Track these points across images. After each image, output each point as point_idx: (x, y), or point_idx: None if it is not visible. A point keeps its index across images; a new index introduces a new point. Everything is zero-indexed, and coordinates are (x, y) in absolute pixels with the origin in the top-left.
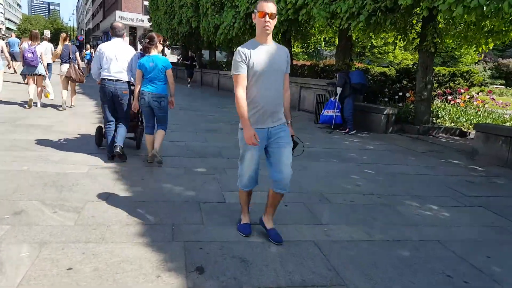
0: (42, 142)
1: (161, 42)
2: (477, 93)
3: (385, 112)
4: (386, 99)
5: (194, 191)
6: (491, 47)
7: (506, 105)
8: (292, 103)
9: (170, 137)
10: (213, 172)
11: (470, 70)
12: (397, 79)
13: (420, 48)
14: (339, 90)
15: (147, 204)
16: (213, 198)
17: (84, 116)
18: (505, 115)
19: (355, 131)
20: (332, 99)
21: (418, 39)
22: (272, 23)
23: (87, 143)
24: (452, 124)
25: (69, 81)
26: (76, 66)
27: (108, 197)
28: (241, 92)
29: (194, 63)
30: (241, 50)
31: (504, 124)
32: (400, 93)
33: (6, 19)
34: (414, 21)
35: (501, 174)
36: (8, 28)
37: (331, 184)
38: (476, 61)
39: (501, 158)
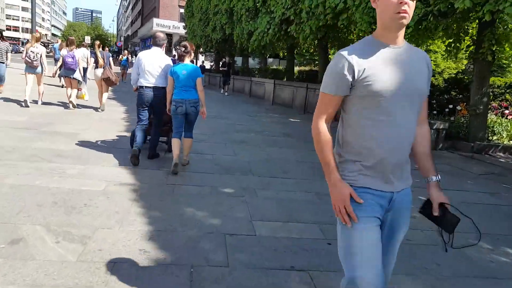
0: (63, 152)
1: (193, 51)
2: None
3: (435, 127)
4: (435, 112)
5: (220, 219)
6: None
7: None
8: None
9: (198, 148)
10: (242, 193)
11: None
12: (445, 90)
13: (476, 57)
14: None
15: (164, 234)
16: (241, 229)
17: (113, 123)
18: None
19: None
20: None
21: (473, 46)
22: (411, 8)
23: (110, 154)
24: (511, 141)
25: (104, 83)
26: (111, 69)
27: (121, 223)
28: (322, 123)
29: (230, 70)
30: (346, 54)
31: None
32: (450, 106)
33: (52, 25)
34: (467, 27)
35: None
36: (53, 34)
37: None
38: None
39: None
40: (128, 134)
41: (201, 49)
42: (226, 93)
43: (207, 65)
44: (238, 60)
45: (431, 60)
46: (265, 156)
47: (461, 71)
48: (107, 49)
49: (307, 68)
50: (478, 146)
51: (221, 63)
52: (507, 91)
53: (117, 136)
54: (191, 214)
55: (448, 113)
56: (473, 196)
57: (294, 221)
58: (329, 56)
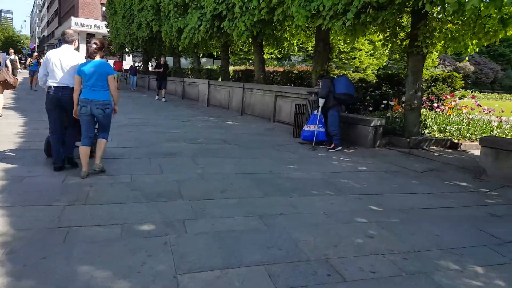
0: None
1: (103, 47)
2: (460, 98)
3: (372, 124)
4: (371, 108)
5: (130, 280)
6: (476, 49)
7: (490, 111)
8: (267, 113)
9: (113, 167)
10: (165, 231)
11: (452, 74)
12: (378, 85)
13: (410, 51)
14: (321, 102)
15: None
16: None
17: (1, 142)
18: (493, 123)
19: (341, 147)
20: (315, 112)
21: (407, 40)
22: None
23: None
24: (441, 134)
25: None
26: (8, 71)
27: None
28: None
29: (167, 71)
30: None
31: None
32: (384, 101)
33: None
34: (404, 19)
35: None
36: None
37: (336, 238)
38: (436, 64)
39: None
40: (18, 155)
41: (126, 49)
42: (163, 99)
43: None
44: (169, 60)
45: (356, 58)
46: (199, 171)
47: (382, 67)
48: (12, 51)
49: (242, 68)
50: (414, 141)
51: (150, 63)
52: (433, 84)
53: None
54: (87, 277)
55: (383, 109)
56: (422, 199)
57: (236, 265)
58: (264, 54)
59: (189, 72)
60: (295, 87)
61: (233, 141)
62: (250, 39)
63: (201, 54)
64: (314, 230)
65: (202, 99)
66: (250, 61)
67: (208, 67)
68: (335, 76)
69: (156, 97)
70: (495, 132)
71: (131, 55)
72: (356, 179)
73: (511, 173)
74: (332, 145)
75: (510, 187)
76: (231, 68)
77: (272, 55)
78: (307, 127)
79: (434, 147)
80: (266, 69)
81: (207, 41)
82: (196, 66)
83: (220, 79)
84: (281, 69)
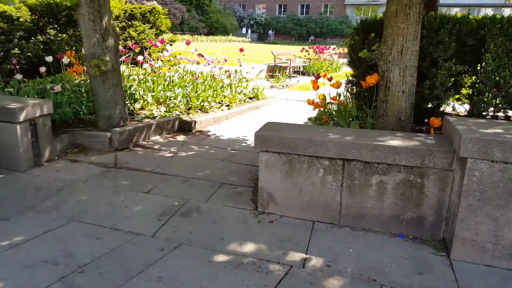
0: None
1: None
2: (170, 44)
3: (24, 116)
4: (21, 76)
5: None
6: None
7: (210, 63)
8: None
9: None
10: None
11: (154, 8)
12: (37, 27)
13: None
14: None
15: None
16: None
17: None
18: (223, 76)
19: None
20: None
21: None
22: None
23: None
24: (161, 108)
25: None
26: None
27: None
28: None
29: None
30: None
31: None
32: (49, 58)
33: None
34: None
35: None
36: None
37: None
38: (124, 3)
39: (330, 206)
40: None
41: None
42: None
43: None
44: None
45: None
46: None
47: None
48: None
49: None
50: (120, 136)
51: None
52: (130, 24)
53: None
54: None
55: (50, 73)
56: None
57: None
58: None
59: None
60: None
61: None
62: None
63: None
64: None
65: None
66: None
67: None
68: None
69: None
70: (227, 92)
71: None
72: None
73: (314, 197)
74: None
75: (324, 228)
76: None
77: None
78: None
79: (158, 137)
80: None
81: None
82: None
83: None
84: None
